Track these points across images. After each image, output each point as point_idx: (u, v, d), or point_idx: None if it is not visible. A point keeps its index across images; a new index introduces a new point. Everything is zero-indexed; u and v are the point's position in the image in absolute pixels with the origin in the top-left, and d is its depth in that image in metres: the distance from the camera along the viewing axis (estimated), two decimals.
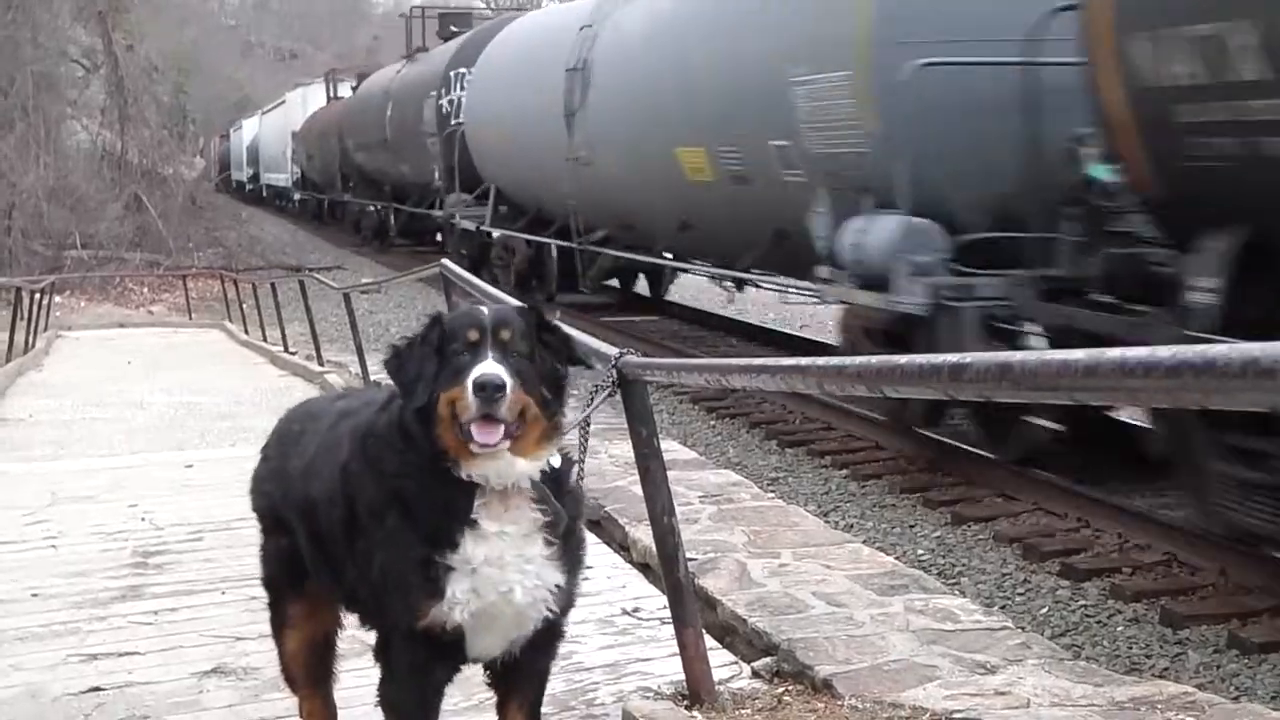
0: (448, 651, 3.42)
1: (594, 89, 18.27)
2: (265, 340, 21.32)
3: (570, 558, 3.45)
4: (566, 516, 3.38)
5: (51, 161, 35.12)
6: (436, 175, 27.97)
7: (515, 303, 3.46)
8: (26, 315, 22.01)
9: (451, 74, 27.49)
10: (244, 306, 24.75)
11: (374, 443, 3.40)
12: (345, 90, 46.98)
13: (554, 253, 22.19)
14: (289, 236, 47.64)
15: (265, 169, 68.53)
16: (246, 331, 23.34)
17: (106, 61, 38.51)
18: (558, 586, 3.41)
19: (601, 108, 18.13)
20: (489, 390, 3.10)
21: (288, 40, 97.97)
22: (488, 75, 24.24)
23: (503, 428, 3.15)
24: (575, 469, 3.55)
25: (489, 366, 3.15)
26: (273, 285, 22.47)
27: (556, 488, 3.39)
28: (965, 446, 11.05)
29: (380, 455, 3.37)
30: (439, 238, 30.39)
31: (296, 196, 59.13)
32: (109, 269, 33.56)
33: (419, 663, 3.44)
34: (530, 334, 3.31)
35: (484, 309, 3.38)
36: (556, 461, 3.38)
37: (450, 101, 27.39)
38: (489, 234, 24.48)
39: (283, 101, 61.31)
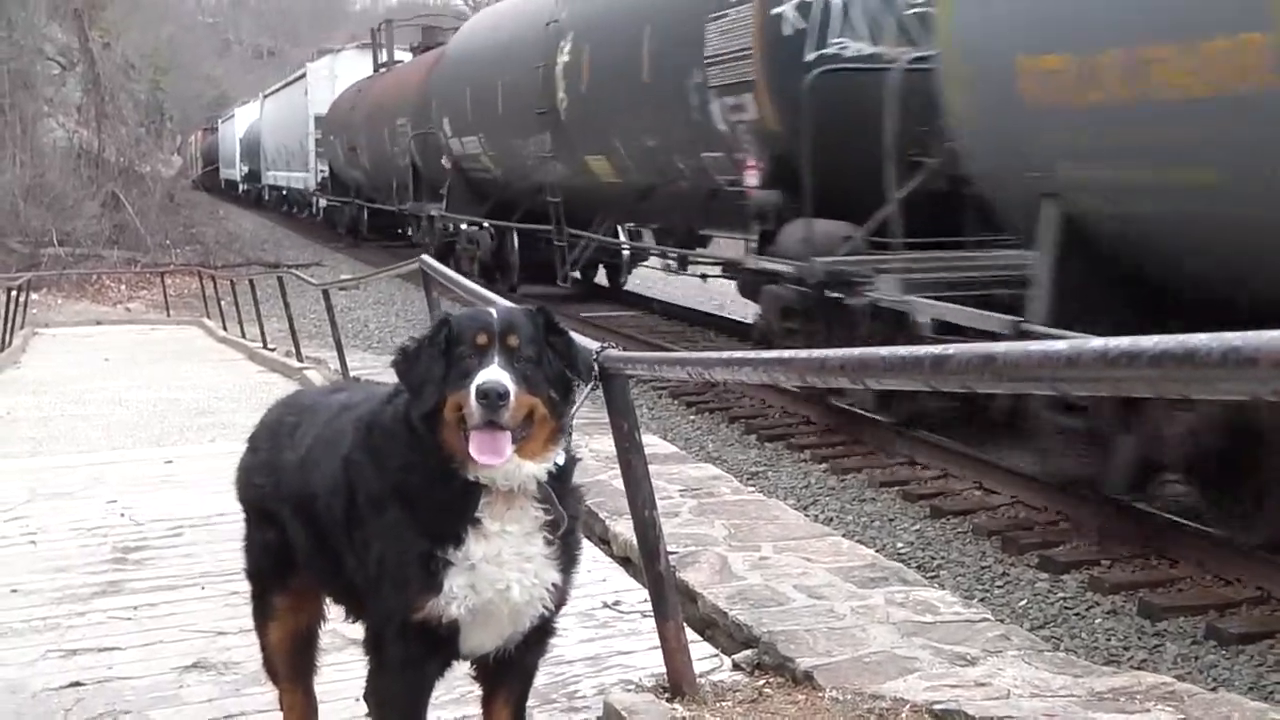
0: (441, 646, 3.39)
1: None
2: (244, 337, 21.29)
3: (567, 556, 3.44)
4: (568, 518, 3.38)
5: (28, 159, 35.10)
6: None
7: (523, 306, 3.43)
8: (4, 313, 21.95)
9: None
10: (222, 303, 24.71)
11: (379, 435, 3.38)
12: (404, 54, 36.31)
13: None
14: (267, 233, 47.64)
15: (271, 165, 55.67)
16: (225, 328, 23.30)
17: (83, 59, 38.48)
18: (554, 585, 3.40)
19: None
20: (491, 398, 3.08)
21: (265, 38, 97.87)
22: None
23: (508, 438, 3.13)
24: (576, 467, 3.53)
25: (493, 373, 3.12)
26: (251, 282, 22.44)
27: (559, 486, 3.38)
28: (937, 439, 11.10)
29: (384, 448, 3.35)
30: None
31: (322, 203, 45.94)
32: (86, 266, 33.51)
33: (411, 657, 3.41)
34: (539, 336, 3.30)
35: (493, 311, 3.35)
36: (561, 460, 3.36)
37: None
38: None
39: (300, 75, 47.86)
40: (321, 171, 43.99)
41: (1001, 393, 8.68)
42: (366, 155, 34.25)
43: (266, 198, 58.93)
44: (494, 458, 3.13)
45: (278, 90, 54.62)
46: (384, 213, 34.27)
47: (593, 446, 8.14)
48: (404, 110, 29.21)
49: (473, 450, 3.13)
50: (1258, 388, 1.73)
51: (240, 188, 68.08)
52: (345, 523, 3.46)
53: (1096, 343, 1.99)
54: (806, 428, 12.87)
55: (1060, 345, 2.09)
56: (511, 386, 3.11)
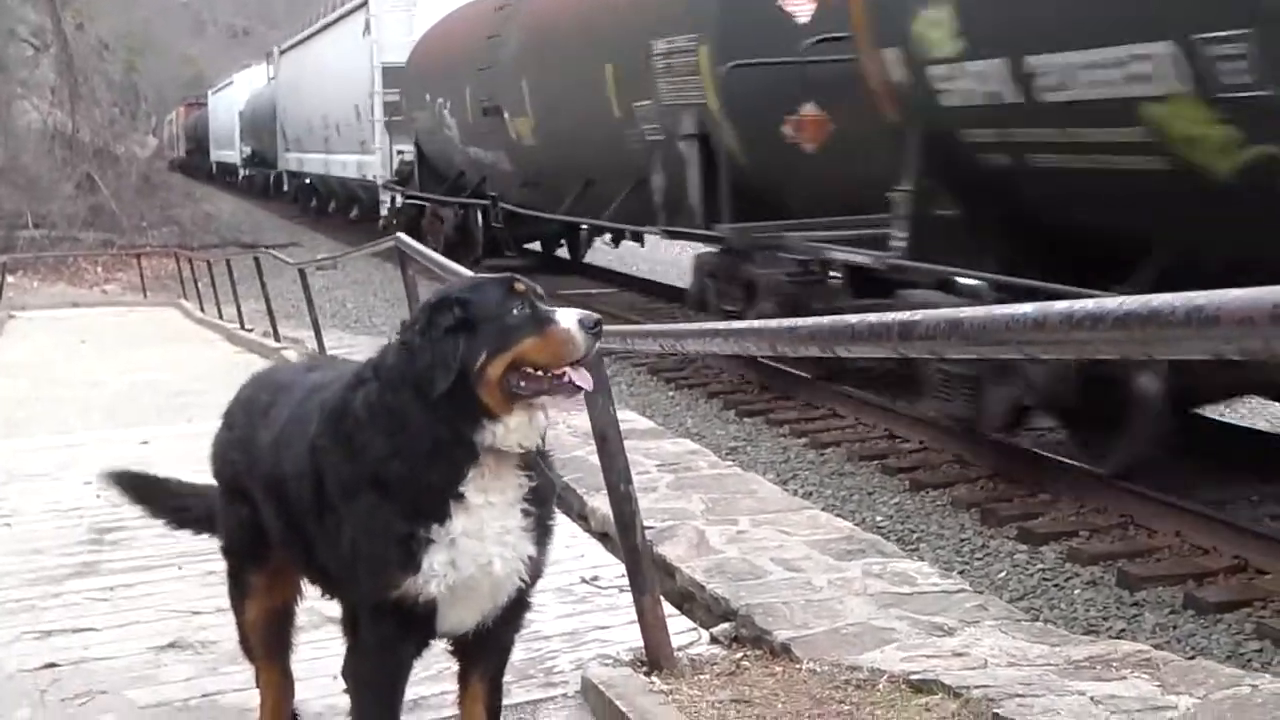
0: (418, 625, 3.38)
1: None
2: (221, 318, 21.23)
3: (542, 528, 3.43)
4: (555, 483, 3.39)
5: (2, 141, 34.92)
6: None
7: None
8: None
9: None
10: (199, 284, 24.65)
11: (351, 423, 3.32)
12: None
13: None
14: (244, 214, 47.34)
15: (295, 145, 41.80)
16: (202, 309, 23.24)
17: (56, 40, 38.26)
18: (530, 557, 3.39)
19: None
20: (599, 326, 3.19)
21: (240, 18, 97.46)
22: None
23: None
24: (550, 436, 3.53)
25: (573, 309, 3.24)
26: (228, 262, 22.36)
27: (541, 453, 3.39)
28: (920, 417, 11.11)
29: (356, 435, 3.29)
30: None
31: (393, 199, 29.35)
32: (62, 249, 33.38)
33: (389, 636, 3.40)
34: None
35: (504, 275, 3.38)
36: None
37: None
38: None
39: (359, 4, 31.18)
40: (401, 153, 29.71)
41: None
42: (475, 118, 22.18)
43: (285, 188, 46.44)
44: (588, 381, 3.24)
45: (308, 39, 38.28)
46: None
47: (570, 423, 8.14)
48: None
49: (580, 381, 3.20)
50: (1221, 346, 1.73)
51: (240, 174, 57.99)
52: (315, 507, 3.44)
53: (1061, 306, 1.98)
54: (785, 403, 12.88)
55: (1027, 308, 2.08)
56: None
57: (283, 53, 44.23)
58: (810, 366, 12.67)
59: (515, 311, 3.19)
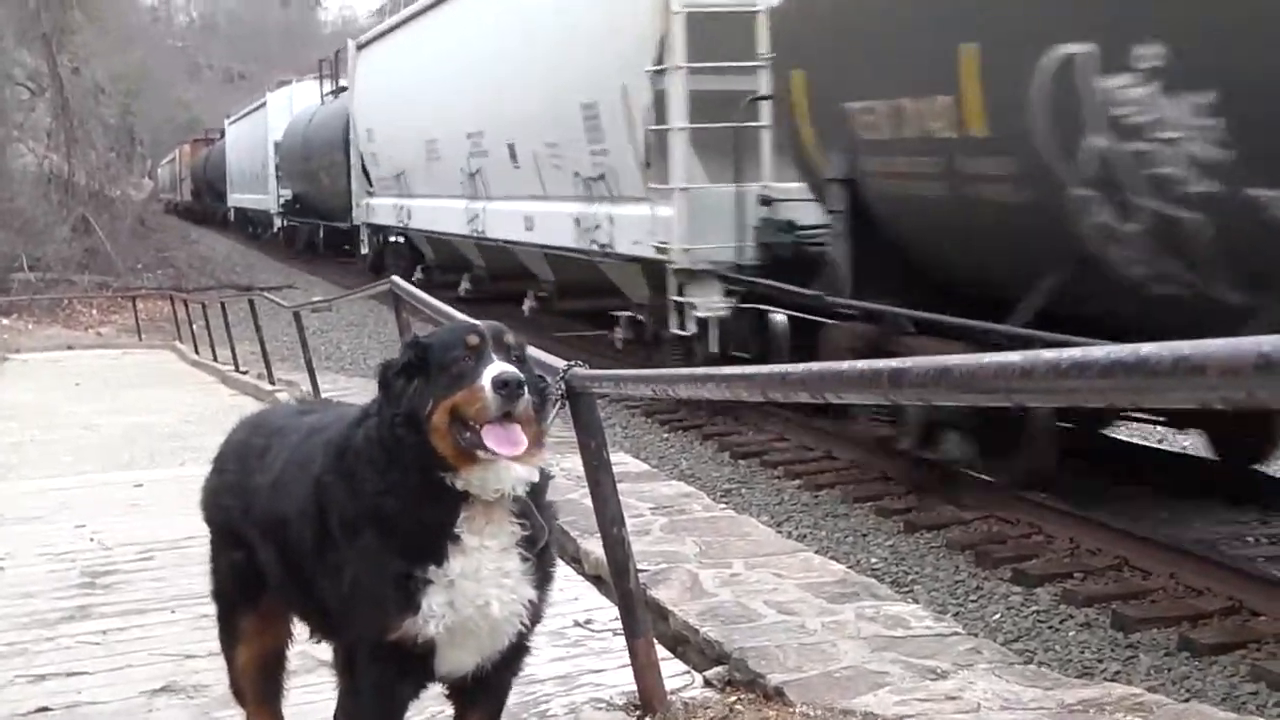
0: (416, 667, 3.36)
1: None
2: (216, 360, 21.21)
3: (542, 572, 3.42)
4: (547, 530, 3.37)
5: None
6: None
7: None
8: None
9: None
10: (194, 326, 24.61)
11: (351, 456, 3.33)
12: None
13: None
14: (239, 256, 47.33)
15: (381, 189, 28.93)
16: (197, 351, 23.20)
17: (52, 84, 38.35)
18: (530, 602, 3.37)
19: None
20: (511, 387, 3.09)
21: (236, 61, 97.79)
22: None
23: (519, 430, 3.14)
24: (550, 484, 3.52)
25: (504, 365, 3.15)
26: (223, 305, 22.36)
27: (536, 500, 3.37)
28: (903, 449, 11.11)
29: (358, 470, 3.30)
30: None
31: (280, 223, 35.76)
32: (57, 291, 33.37)
33: (385, 679, 3.38)
34: (519, 343, 3.32)
35: (476, 322, 3.37)
36: (535, 476, 3.34)
37: None
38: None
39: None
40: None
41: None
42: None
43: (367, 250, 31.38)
44: (512, 448, 3.12)
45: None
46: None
47: (563, 465, 8.12)
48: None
49: (490, 443, 3.11)
50: (1206, 395, 1.74)
51: (276, 225, 45.56)
52: (317, 546, 3.43)
53: (1049, 354, 2.00)
54: (780, 444, 12.89)
55: (1014, 357, 2.10)
56: (523, 377, 3.14)
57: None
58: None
59: (461, 363, 3.19)
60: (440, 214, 24.18)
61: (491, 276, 23.67)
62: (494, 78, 19.75)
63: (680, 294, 14.02)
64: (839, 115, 10.78)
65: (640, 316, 15.89)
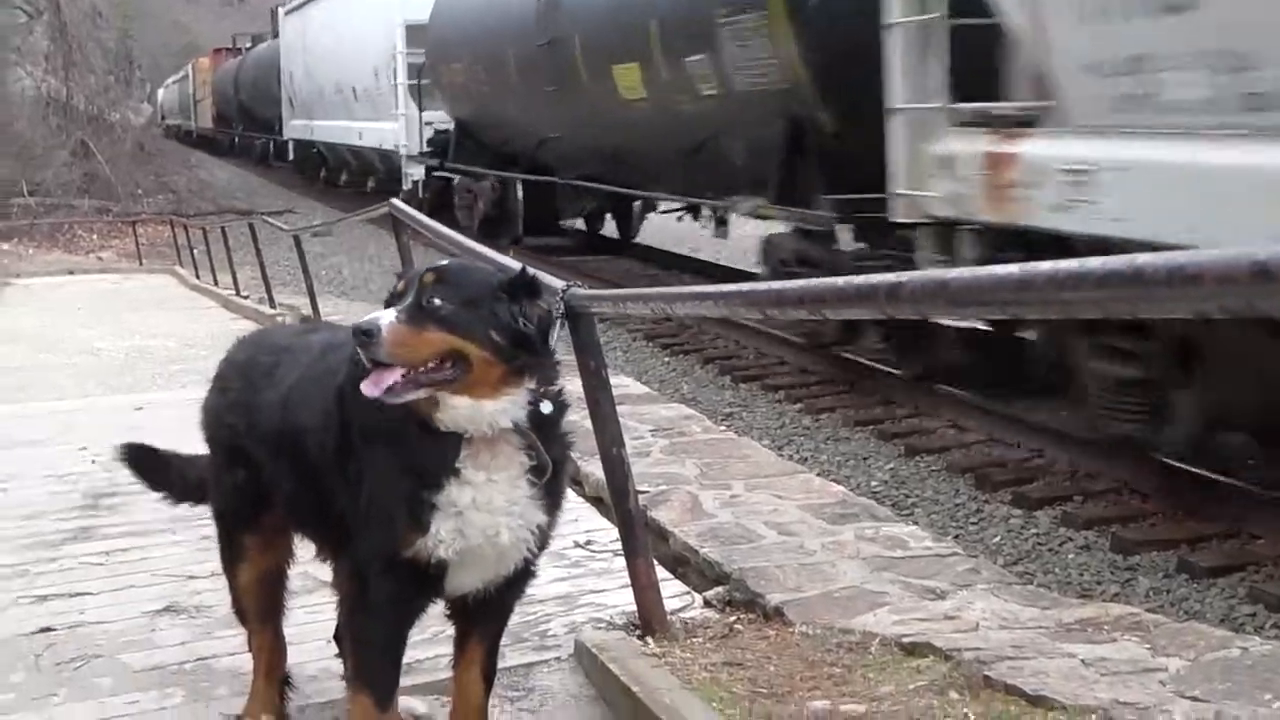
0: (427, 584, 3.40)
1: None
2: (217, 285, 21.21)
3: (551, 499, 3.44)
4: (551, 464, 3.37)
5: None
6: None
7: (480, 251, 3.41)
8: None
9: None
10: (194, 251, 24.58)
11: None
12: None
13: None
14: (239, 181, 47.15)
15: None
16: (198, 276, 23.19)
17: (49, 7, 38.03)
18: (539, 527, 3.41)
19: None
20: (359, 336, 3.12)
21: None
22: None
23: (393, 374, 3.14)
24: (567, 412, 3.49)
25: (374, 314, 3.18)
26: (223, 229, 22.33)
27: (548, 430, 3.36)
28: (889, 370, 11.12)
29: None
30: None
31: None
32: (57, 216, 33.30)
33: (396, 593, 3.40)
34: (485, 287, 3.27)
35: (427, 266, 3.37)
36: (547, 408, 3.33)
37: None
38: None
39: None
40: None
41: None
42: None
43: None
44: (371, 388, 3.14)
45: None
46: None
47: (565, 388, 8.14)
48: None
49: (363, 388, 3.16)
50: (1202, 305, 1.73)
51: (414, 177, 26.39)
52: (338, 455, 3.45)
53: (1045, 266, 1.99)
54: (781, 368, 12.90)
55: (1012, 269, 2.09)
56: (386, 323, 3.13)
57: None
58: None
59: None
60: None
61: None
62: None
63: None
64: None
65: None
